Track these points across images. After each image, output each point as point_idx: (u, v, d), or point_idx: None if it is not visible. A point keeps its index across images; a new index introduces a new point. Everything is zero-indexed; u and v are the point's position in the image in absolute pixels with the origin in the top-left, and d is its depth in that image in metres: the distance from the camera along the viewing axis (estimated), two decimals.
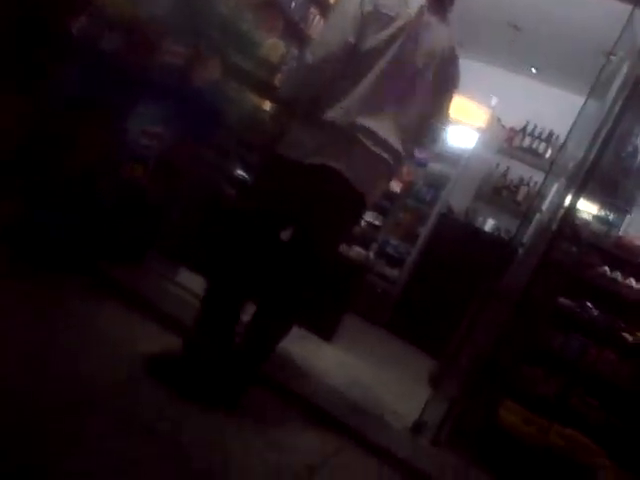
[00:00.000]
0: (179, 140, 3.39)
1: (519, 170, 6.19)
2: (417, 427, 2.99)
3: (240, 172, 4.00)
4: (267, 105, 4.25)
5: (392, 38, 2.41)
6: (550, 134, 6.10)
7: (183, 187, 3.54)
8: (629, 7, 3.62)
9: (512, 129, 6.23)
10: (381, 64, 2.42)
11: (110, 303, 2.84)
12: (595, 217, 4.35)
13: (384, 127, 2.44)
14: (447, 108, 2.69)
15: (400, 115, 2.48)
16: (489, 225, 5.74)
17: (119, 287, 2.97)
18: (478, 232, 5.61)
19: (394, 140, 2.47)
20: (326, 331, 3.90)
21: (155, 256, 3.44)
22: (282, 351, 3.23)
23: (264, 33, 4.48)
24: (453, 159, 5.94)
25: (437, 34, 2.52)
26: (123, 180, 3.25)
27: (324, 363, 3.48)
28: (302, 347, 3.39)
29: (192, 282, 3.46)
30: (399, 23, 2.41)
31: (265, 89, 4.28)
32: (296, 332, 3.43)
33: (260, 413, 2.60)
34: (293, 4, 4.73)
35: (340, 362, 3.67)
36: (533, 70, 6.52)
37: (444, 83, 2.59)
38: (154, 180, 3.34)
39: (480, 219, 5.83)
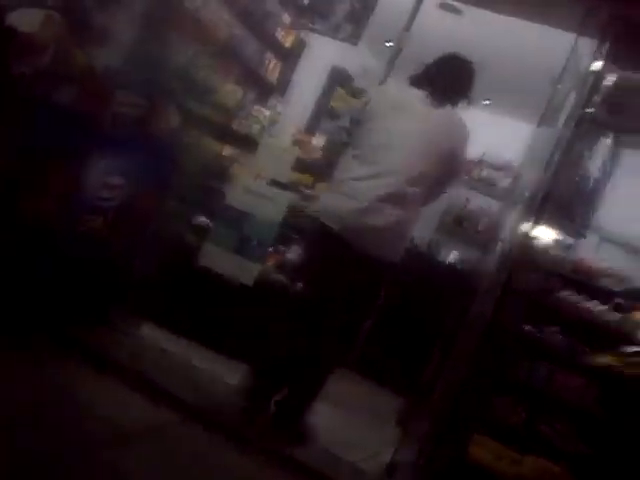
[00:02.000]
0: (139, 190, 3.39)
1: (479, 200, 6.30)
2: (390, 470, 2.97)
3: (202, 219, 4.01)
4: (226, 150, 4.30)
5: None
6: (506, 163, 6.24)
7: (145, 238, 3.53)
8: (573, 36, 3.79)
9: (469, 160, 6.35)
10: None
11: (72, 363, 2.80)
12: (552, 242, 4.44)
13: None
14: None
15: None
16: (452, 257, 5.80)
17: (82, 346, 2.92)
18: (442, 264, 5.65)
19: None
20: None
21: (118, 310, 3.41)
22: None
23: (220, 79, 4.55)
24: None
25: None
26: (82, 233, 3.23)
27: None
28: None
29: (156, 336, 3.44)
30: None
31: (223, 134, 4.34)
32: None
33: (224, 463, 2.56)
34: (248, 50, 4.82)
35: None
36: (486, 102, 6.70)
37: None
38: (115, 232, 3.33)
39: (443, 251, 5.89)
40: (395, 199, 2.78)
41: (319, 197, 3.03)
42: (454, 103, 3.00)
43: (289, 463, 2.70)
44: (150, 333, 3.48)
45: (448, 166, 2.97)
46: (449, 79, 3.01)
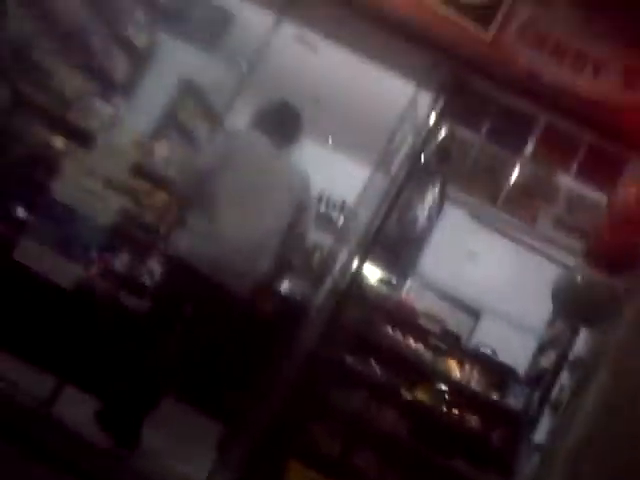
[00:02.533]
0: None
1: (314, 235, 6.38)
2: None
3: (21, 212, 3.60)
4: (58, 142, 3.94)
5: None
6: (343, 203, 6.45)
7: None
8: (414, 88, 4.02)
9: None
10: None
11: None
12: (379, 280, 4.63)
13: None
14: None
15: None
16: (284, 287, 5.78)
17: None
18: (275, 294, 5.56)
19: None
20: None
21: None
22: (57, 416, 2.89)
23: (61, 66, 4.22)
24: None
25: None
26: None
27: None
28: (80, 412, 3.06)
29: None
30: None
31: (57, 124, 3.98)
32: (74, 396, 3.11)
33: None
34: (96, 42, 4.52)
35: None
36: (329, 141, 6.93)
37: None
38: None
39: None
40: (254, 247, 3.02)
41: (181, 235, 3.07)
42: (289, 146, 3.31)
43: None
44: None
45: (299, 215, 3.22)
46: (283, 125, 3.28)
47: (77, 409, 2.84)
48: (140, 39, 4.85)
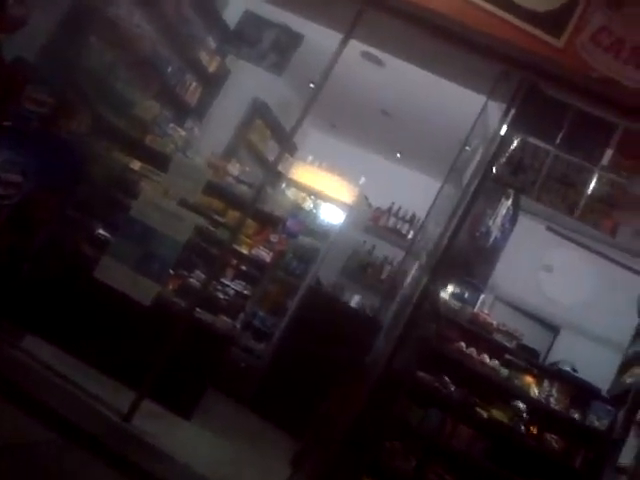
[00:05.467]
0: (38, 191, 3.14)
1: (384, 249, 6.38)
2: None
3: (102, 232, 3.77)
4: (136, 164, 4.11)
5: None
6: (413, 216, 6.41)
7: (38, 243, 3.26)
8: (483, 99, 3.96)
9: (378, 209, 6.48)
10: None
11: None
12: (452, 294, 4.54)
13: None
14: None
15: None
16: (355, 300, 5.79)
17: None
18: (345, 307, 5.62)
19: None
20: (185, 409, 3.62)
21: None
22: (136, 430, 2.98)
23: (138, 93, 4.40)
24: (322, 234, 6.03)
25: None
26: None
27: (181, 442, 3.24)
28: (158, 425, 3.15)
29: (40, 349, 3.16)
30: None
31: (135, 148, 4.16)
32: (152, 409, 3.20)
33: None
34: (170, 68, 4.70)
35: (199, 441, 3.45)
36: (398, 155, 6.90)
37: None
38: (5, 233, 3.06)
39: (347, 294, 5.88)
40: None
41: None
42: None
43: None
44: (34, 345, 3.18)
45: None
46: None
47: (153, 422, 2.92)
48: (211, 64, 4.99)
